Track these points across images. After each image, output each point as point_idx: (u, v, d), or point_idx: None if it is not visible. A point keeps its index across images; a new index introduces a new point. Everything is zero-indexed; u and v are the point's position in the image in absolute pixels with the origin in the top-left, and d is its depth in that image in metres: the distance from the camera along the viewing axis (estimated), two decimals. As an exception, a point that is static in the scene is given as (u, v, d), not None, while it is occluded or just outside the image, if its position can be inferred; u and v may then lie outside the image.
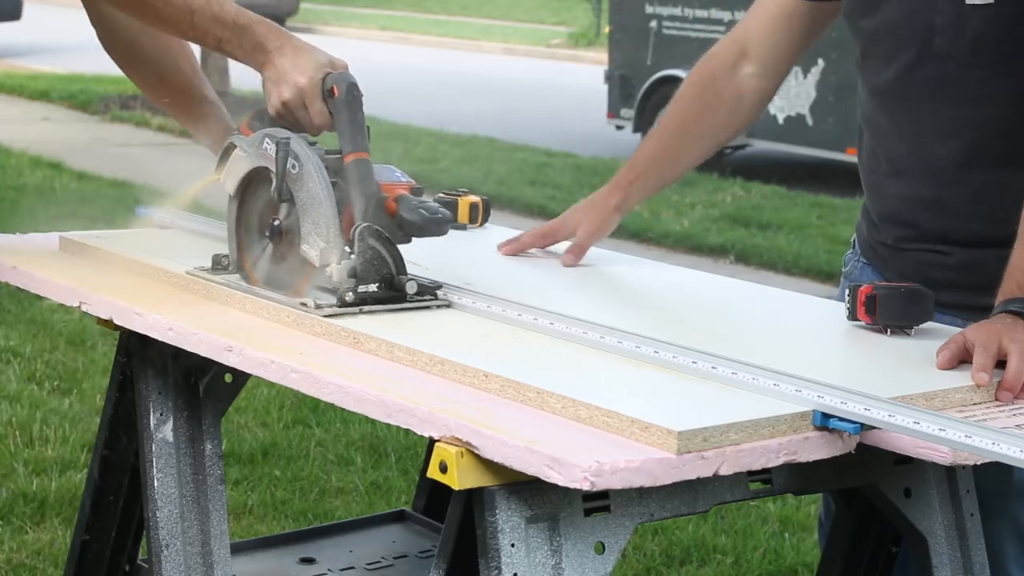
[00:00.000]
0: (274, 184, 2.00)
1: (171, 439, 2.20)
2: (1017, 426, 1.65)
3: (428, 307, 2.02)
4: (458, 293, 2.06)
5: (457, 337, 1.89)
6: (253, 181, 2.10)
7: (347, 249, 1.98)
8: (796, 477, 1.74)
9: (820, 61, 9.74)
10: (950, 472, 1.91)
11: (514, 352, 1.83)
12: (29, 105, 13.24)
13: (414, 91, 15.30)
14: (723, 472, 1.54)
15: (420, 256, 2.37)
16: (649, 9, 11.10)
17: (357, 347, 1.88)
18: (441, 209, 2.02)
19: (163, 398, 2.20)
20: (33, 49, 18.20)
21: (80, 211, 7.97)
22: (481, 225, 2.68)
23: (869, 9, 2.20)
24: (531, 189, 9.34)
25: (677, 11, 10.91)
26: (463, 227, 2.65)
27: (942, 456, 1.59)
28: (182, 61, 2.46)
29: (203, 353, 1.95)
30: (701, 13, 10.76)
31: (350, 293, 1.96)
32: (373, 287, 1.97)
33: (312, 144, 2.04)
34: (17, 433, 4.31)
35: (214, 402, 2.22)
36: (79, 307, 2.15)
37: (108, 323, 2.12)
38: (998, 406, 1.75)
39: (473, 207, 2.67)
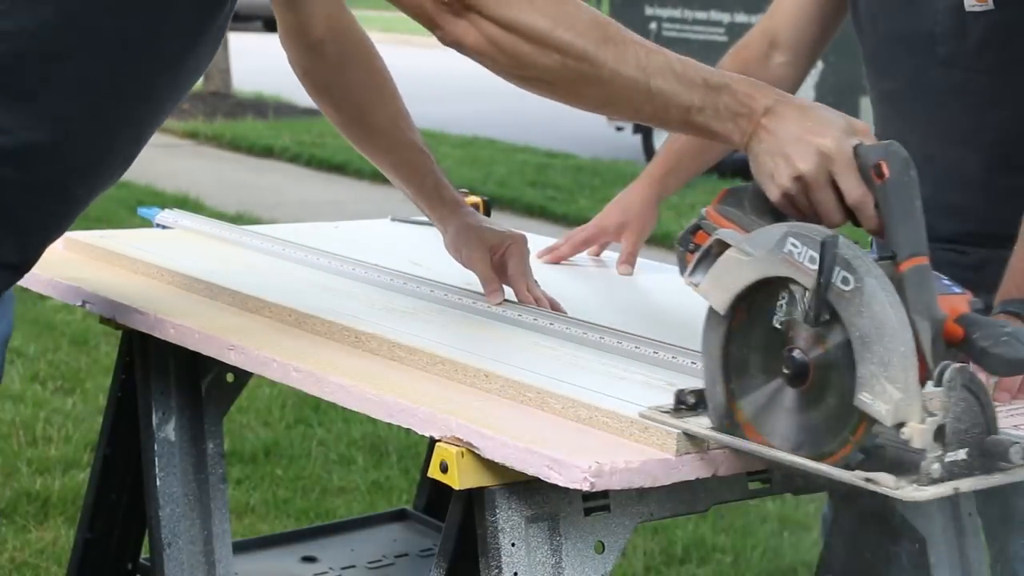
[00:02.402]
0: (807, 302, 1.42)
1: (173, 438, 2.21)
2: (1015, 427, 1.66)
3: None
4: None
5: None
6: (758, 295, 1.48)
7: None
8: (795, 477, 1.74)
9: (819, 63, 9.74)
10: (949, 472, 1.91)
11: (514, 352, 1.84)
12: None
13: (415, 93, 15.26)
14: (722, 473, 1.55)
15: (421, 256, 2.38)
16: (649, 11, 11.12)
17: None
18: None
19: (165, 398, 2.21)
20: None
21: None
22: None
23: (873, 17, 2.21)
24: (532, 190, 9.34)
25: (677, 13, 10.93)
26: None
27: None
28: (386, 100, 2.15)
29: (205, 352, 1.96)
30: (701, 15, 10.77)
31: (937, 465, 1.38)
32: (961, 454, 1.40)
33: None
34: (21, 432, 4.32)
35: (216, 401, 2.23)
36: (82, 306, 2.16)
37: (111, 322, 2.13)
38: (996, 407, 1.75)
39: (474, 208, 2.67)
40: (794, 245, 1.43)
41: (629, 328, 1.90)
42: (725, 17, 10.56)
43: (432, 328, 1.92)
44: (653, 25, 11.10)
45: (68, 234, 2.45)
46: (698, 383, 1.57)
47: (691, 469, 1.52)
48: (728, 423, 1.51)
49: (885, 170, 1.48)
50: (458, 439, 1.56)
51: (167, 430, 2.21)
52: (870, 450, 1.43)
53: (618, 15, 11.54)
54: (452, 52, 1.64)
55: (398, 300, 2.08)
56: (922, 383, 1.38)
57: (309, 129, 11.87)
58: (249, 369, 1.91)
